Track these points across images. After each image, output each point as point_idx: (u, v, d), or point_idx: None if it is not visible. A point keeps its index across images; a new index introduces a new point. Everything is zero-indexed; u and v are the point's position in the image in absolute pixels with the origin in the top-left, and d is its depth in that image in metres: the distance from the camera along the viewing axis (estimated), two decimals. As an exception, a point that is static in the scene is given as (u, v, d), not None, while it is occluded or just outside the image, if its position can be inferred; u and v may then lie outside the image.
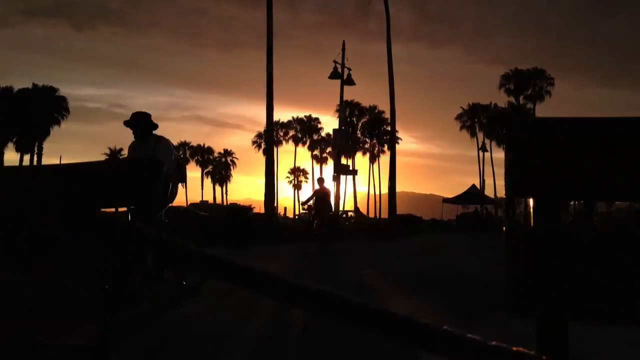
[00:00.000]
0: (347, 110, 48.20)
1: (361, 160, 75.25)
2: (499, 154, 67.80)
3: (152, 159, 1.09)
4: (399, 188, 31.00)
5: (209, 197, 78.39)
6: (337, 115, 33.03)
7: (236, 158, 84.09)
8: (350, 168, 29.62)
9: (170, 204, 6.54)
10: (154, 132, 6.42)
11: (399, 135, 68.59)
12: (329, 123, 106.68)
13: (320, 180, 14.58)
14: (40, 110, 53.46)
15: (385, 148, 66.96)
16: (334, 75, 27.58)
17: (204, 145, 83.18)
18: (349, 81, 27.87)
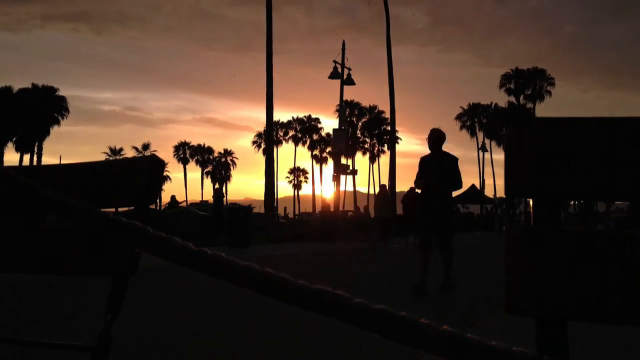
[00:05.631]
0: (347, 110, 48.23)
1: (361, 160, 75.28)
2: (499, 154, 67.84)
3: (153, 159, 1.09)
4: (400, 188, 31.07)
5: (209, 197, 78.39)
6: (337, 115, 33.02)
7: (236, 158, 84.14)
8: (350, 168, 29.60)
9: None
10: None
11: (401, 136, 68.73)
12: (329, 123, 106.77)
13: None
14: (40, 110, 53.46)
15: (386, 148, 67.02)
16: (334, 75, 27.58)
17: (204, 145, 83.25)
18: (349, 81, 27.86)
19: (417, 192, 7.83)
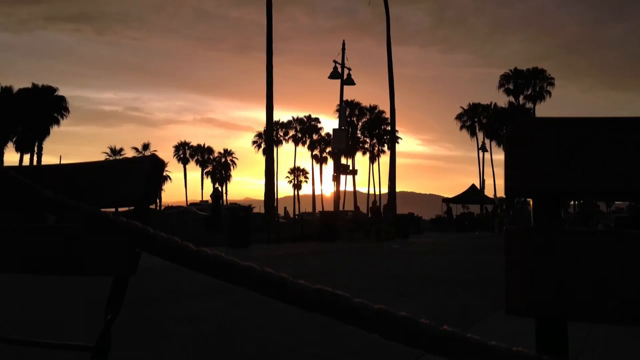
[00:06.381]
0: (347, 110, 48.22)
1: (361, 160, 75.42)
2: (499, 154, 67.92)
3: (153, 159, 1.09)
4: (400, 188, 31.06)
5: (208, 197, 78.31)
6: (337, 115, 33.02)
7: (236, 158, 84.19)
8: (350, 168, 29.59)
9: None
10: None
11: (401, 135, 68.85)
12: (329, 123, 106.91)
13: None
14: (40, 110, 53.45)
15: (386, 148, 67.08)
16: (334, 75, 27.58)
17: (204, 145, 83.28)
18: (349, 81, 27.86)
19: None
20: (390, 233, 20.86)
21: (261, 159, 77.42)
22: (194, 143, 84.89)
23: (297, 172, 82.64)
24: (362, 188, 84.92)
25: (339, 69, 27.59)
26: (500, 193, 46.35)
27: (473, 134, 66.32)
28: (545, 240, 0.73)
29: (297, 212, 62.57)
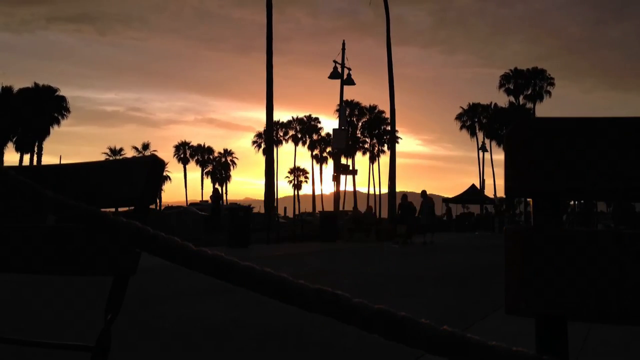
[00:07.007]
0: (347, 110, 48.18)
1: (361, 160, 75.41)
2: (499, 154, 67.90)
3: (153, 159, 1.09)
4: (400, 188, 31.04)
5: (208, 197, 78.22)
6: (337, 115, 33.01)
7: (236, 158, 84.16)
8: (350, 168, 29.59)
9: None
10: None
11: (401, 135, 68.85)
12: (329, 123, 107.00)
13: None
14: (41, 110, 53.43)
15: (385, 148, 67.08)
16: (334, 75, 27.58)
17: (204, 145, 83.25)
18: (349, 81, 27.85)
19: None
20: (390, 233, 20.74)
21: (261, 159, 77.44)
22: (195, 143, 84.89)
23: (297, 172, 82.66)
24: (362, 188, 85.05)
25: (339, 69, 27.59)
26: (500, 193, 46.36)
27: (473, 134, 66.32)
28: (545, 240, 0.73)
29: (297, 212, 62.55)
